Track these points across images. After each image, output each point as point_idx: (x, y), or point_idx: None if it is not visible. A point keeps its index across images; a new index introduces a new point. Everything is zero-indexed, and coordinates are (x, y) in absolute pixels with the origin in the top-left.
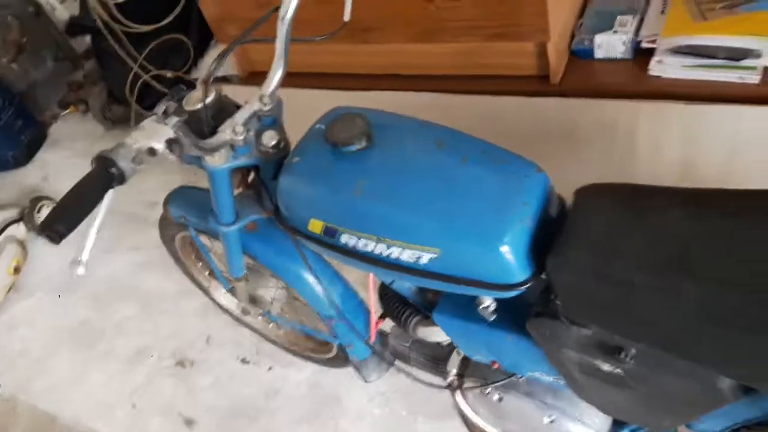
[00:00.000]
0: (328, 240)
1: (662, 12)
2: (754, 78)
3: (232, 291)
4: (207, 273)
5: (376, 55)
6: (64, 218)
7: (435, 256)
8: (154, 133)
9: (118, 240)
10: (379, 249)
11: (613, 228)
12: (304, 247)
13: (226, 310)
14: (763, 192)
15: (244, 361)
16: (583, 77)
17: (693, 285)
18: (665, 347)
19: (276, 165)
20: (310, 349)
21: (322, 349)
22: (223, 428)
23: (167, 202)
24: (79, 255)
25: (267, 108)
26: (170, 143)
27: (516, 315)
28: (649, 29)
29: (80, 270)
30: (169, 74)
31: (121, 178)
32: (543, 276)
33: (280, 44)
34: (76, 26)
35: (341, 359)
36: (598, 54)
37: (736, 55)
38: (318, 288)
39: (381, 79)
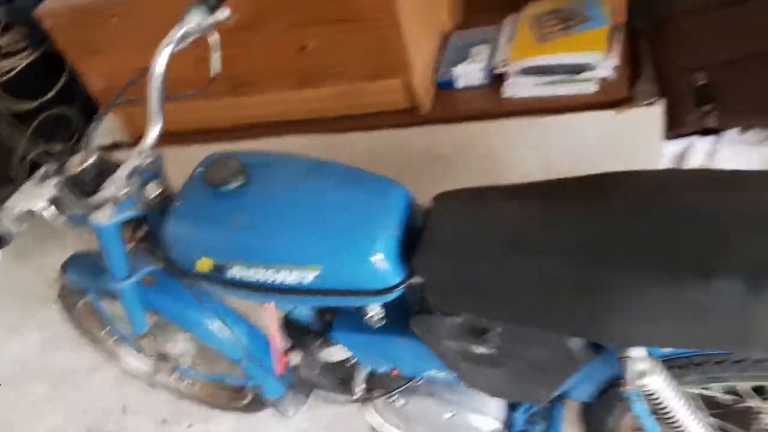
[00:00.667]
0: (220, 276)
1: (511, 39)
2: (591, 88)
3: (139, 351)
4: (114, 339)
5: (257, 105)
6: None
7: (318, 273)
8: (35, 194)
9: (22, 321)
10: (268, 276)
11: (461, 225)
12: (203, 292)
13: (137, 375)
14: (574, 179)
15: (163, 422)
16: (449, 106)
17: (526, 262)
18: (519, 321)
19: (162, 215)
20: (227, 399)
21: (238, 396)
22: None
23: (63, 269)
24: None
25: (147, 162)
26: (53, 203)
27: (402, 319)
28: (501, 56)
29: None
30: (58, 148)
31: (4, 240)
32: (415, 279)
33: (152, 102)
34: None
35: (258, 403)
36: (460, 83)
37: (575, 70)
38: (222, 332)
39: (265, 127)
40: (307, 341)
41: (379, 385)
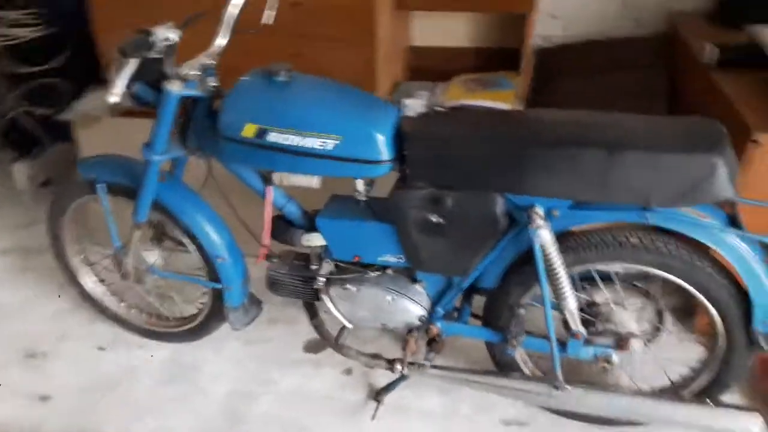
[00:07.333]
0: (260, 141)
1: (444, 90)
2: None
3: (124, 248)
4: (81, 257)
5: None
6: None
7: (338, 142)
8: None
9: None
10: (297, 141)
11: (435, 120)
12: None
13: (90, 297)
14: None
15: (100, 348)
16: None
17: (479, 143)
18: (468, 186)
19: (210, 104)
20: (170, 326)
21: (182, 322)
22: (81, 400)
23: (80, 163)
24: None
25: (210, 62)
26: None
27: (376, 209)
28: (438, 98)
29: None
30: (40, 111)
31: None
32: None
33: (228, 19)
34: None
35: (201, 328)
36: (407, 112)
37: None
38: (210, 229)
39: None
40: (292, 232)
41: (337, 278)
